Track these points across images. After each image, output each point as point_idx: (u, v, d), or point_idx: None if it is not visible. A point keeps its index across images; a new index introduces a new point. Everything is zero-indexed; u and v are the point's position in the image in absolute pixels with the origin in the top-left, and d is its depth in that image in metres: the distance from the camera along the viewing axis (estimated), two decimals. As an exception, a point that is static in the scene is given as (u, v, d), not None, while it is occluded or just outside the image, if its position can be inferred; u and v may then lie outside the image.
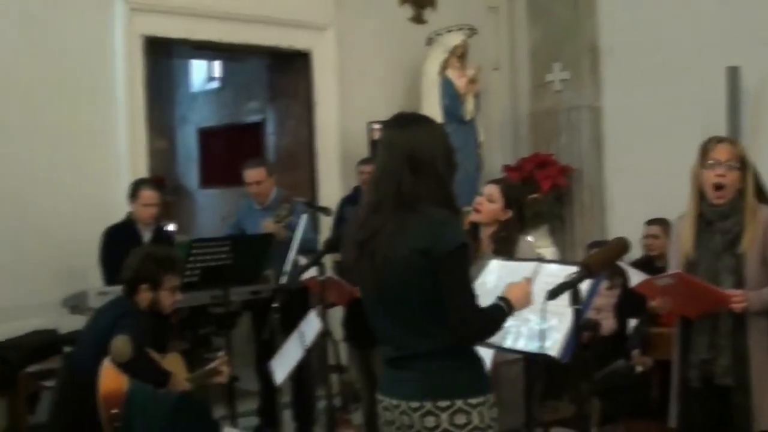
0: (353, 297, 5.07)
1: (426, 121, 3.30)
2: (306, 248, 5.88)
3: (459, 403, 3.05)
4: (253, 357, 6.89)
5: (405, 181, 3.08)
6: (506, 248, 4.58)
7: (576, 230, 9.09)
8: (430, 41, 8.75)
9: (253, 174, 6.86)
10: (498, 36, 9.67)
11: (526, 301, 3.26)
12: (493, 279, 3.84)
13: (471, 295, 3.06)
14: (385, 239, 3.07)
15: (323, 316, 4.78)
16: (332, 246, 4.34)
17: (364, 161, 7.46)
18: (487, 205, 4.77)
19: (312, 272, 4.78)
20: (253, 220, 6.79)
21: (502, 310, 3.15)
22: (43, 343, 6.39)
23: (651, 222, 7.04)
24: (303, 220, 5.88)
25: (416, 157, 3.10)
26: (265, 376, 6.34)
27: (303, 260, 5.36)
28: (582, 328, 4.91)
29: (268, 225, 6.50)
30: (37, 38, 6.87)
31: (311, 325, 4.92)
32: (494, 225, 4.76)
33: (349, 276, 3.47)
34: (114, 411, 4.40)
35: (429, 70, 8.62)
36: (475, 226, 4.77)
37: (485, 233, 4.76)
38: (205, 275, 5.97)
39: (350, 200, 7.40)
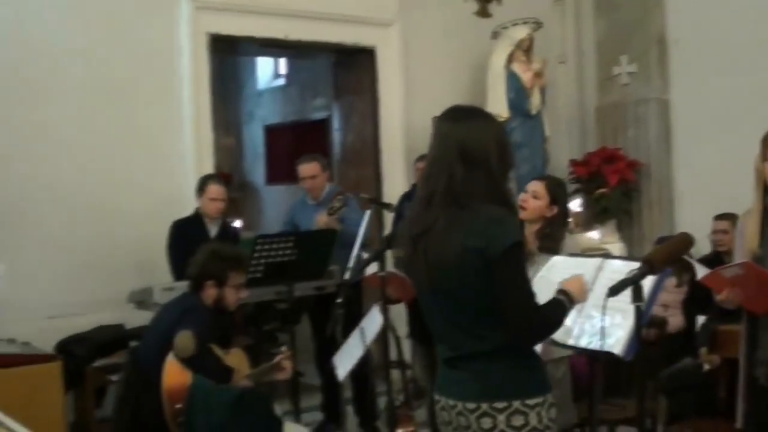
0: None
1: (482, 114, 3.22)
2: (353, 242, 5.90)
3: (516, 404, 2.99)
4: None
5: (457, 175, 3.01)
6: (551, 245, 4.53)
7: (644, 225, 8.96)
8: (495, 35, 8.69)
9: (307, 168, 6.88)
10: (564, 29, 9.59)
11: (584, 293, 3.23)
12: (557, 275, 3.79)
13: (528, 295, 2.98)
14: (437, 236, 3.01)
15: (384, 312, 4.76)
16: (391, 242, 4.34)
17: (421, 158, 7.45)
18: (532, 201, 4.73)
19: (373, 268, 4.78)
20: (307, 215, 6.80)
21: (561, 305, 3.10)
22: (110, 338, 6.46)
23: (719, 217, 6.92)
24: (367, 215, 5.87)
25: (469, 151, 3.02)
26: (326, 371, 6.37)
27: (366, 255, 5.36)
28: (648, 325, 4.86)
29: (321, 218, 6.51)
30: (105, 39, 6.98)
31: (373, 321, 4.91)
32: (539, 222, 4.72)
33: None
34: (178, 406, 4.44)
35: (494, 64, 8.56)
36: (520, 223, 4.72)
37: (530, 230, 4.70)
38: (270, 271, 5.99)
39: (409, 197, 7.39)
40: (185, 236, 6.35)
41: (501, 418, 2.99)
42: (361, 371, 5.45)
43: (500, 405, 2.99)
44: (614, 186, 8.72)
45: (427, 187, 3.12)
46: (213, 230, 6.57)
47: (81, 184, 6.83)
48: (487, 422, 3.01)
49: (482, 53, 8.70)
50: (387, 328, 4.86)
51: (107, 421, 6.02)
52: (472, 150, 3.03)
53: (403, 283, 5.13)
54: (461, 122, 3.12)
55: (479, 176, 3.02)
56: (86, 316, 6.58)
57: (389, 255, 5.12)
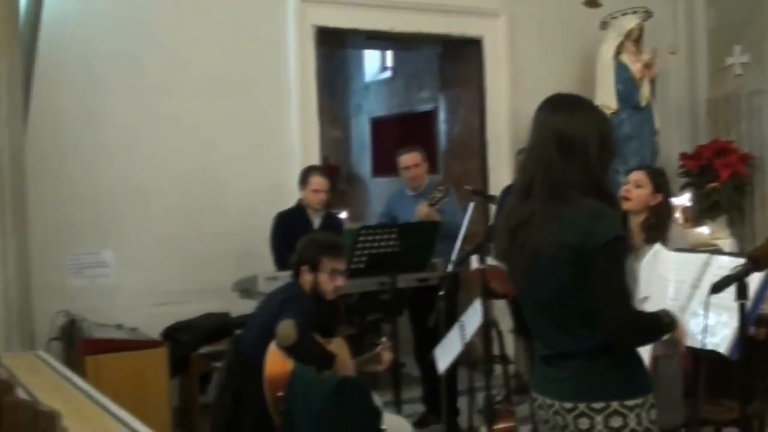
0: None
1: (582, 104, 3.10)
2: (453, 234, 5.89)
3: (614, 404, 2.90)
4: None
5: (555, 166, 2.92)
6: (658, 235, 4.44)
7: (756, 221, 8.74)
8: (604, 25, 8.56)
9: (409, 158, 6.91)
10: (675, 18, 9.39)
11: (683, 339, 3.11)
12: (662, 267, 3.71)
13: (624, 294, 2.88)
14: (534, 230, 2.93)
15: (486, 306, 4.73)
16: (491, 235, 4.30)
17: (522, 150, 7.43)
18: (635, 191, 4.66)
19: (474, 262, 4.75)
20: (406, 206, 6.81)
21: (660, 324, 2.99)
22: (216, 326, 6.57)
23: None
24: (470, 207, 5.85)
25: (566, 142, 2.93)
26: (425, 363, 6.39)
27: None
28: (758, 324, 4.72)
29: (422, 208, 6.49)
30: (214, 33, 7.13)
31: (474, 315, 4.88)
32: (644, 212, 4.65)
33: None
34: (279, 394, 4.48)
35: (603, 55, 8.45)
36: (624, 216, 4.65)
37: (635, 222, 4.63)
38: (373, 262, 6.01)
39: (510, 190, 7.33)
40: (288, 227, 6.41)
41: (599, 419, 2.91)
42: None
43: (598, 405, 2.91)
44: (726, 180, 8.52)
45: (524, 178, 3.05)
46: (316, 221, 6.62)
47: (189, 173, 6.98)
48: (584, 423, 2.93)
49: (590, 43, 8.59)
50: (489, 322, 4.83)
51: (211, 406, 6.13)
52: (570, 140, 2.93)
53: (506, 276, 5.09)
54: (560, 112, 3.02)
55: (578, 168, 2.92)
56: (192, 304, 6.72)
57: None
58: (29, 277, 5.38)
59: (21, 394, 3.49)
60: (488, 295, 4.79)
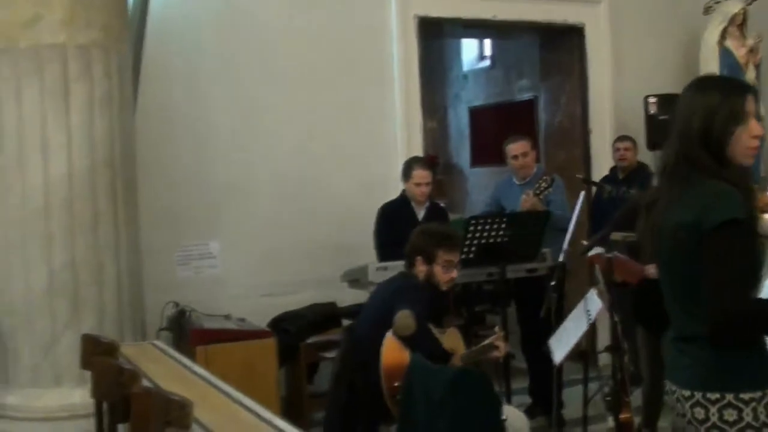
0: (644, 276, 4.89)
1: (701, 84, 3.00)
2: (560, 226, 5.86)
3: (729, 396, 2.75)
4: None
5: (679, 148, 2.88)
6: None
7: None
8: (707, 10, 8.41)
9: (518, 146, 6.81)
10: (779, 1, 9.16)
11: None
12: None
13: (734, 281, 2.71)
14: (659, 209, 2.90)
15: (612, 296, 4.66)
16: (619, 224, 4.23)
17: (619, 139, 7.47)
18: None
19: (597, 250, 4.69)
20: (514, 195, 6.72)
21: None
22: (323, 316, 6.60)
23: None
24: (581, 196, 5.78)
25: (678, 123, 2.90)
26: (532, 355, 6.40)
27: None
28: None
29: (527, 198, 6.39)
30: (316, 24, 7.15)
31: (592, 304, 4.81)
32: None
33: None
34: (396, 384, 4.45)
35: (707, 41, 8.32)
36: None
37: None
38: (481, 252, 5.96)
39: (606, 180, 7.28)
40: (392, 220, 6.40)
41: (713, 410, 2.78)
42: (545, 355, 5.36)
43: (713, 396, 2.78)
44: (834, 167, 8.31)
45: (663, 159, 3.01)
46: (420, 213, 6.58)
47: (294, 164, 7.02)
48: (699, 413, 2.81)
49: (694, 29, 8.46)
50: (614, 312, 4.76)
51: (319, 396, 6.14)
52: (680, 123, 2.90)
53: (628, 266, 5.00)
54: (682, 94, 2.99)
55: (687, 150, 2.86)
56: (297, 295, 6.76)
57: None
58: (141, 268, 5.43)
59: (145, 383, 3.48)
60: (611, 285, 4.71)
